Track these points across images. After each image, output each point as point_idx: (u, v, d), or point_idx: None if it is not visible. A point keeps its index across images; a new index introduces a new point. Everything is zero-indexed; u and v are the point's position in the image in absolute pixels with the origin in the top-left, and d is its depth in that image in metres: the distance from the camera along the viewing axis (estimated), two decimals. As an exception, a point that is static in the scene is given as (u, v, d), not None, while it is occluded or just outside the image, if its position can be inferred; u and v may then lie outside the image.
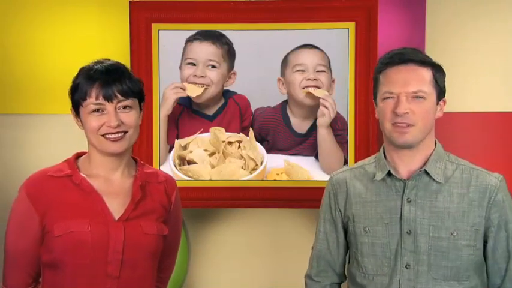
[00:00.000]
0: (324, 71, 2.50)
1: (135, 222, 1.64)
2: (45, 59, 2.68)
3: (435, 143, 1.70)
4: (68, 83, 1.67)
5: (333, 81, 2.51)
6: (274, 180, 2.54)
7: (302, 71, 2.50)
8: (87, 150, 1.70)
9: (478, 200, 1.64)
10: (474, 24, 2.63)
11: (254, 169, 2.53)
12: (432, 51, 2.51)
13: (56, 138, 2.63)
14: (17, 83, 2.69)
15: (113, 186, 1.66)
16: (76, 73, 1.66)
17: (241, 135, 2.55)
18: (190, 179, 2.52)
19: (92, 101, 1.59)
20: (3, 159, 2.71)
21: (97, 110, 1.60)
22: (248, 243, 2.78)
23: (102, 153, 1.64)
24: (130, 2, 2.50)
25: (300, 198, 2.52)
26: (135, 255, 1.63)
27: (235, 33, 2.51)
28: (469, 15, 2.63)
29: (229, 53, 2.53)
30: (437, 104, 1.67)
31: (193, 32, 2.52)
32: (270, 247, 2.78)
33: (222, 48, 2.52)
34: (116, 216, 1.63)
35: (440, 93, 1.67)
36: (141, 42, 2.50)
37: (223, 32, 2.51)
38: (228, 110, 2.55)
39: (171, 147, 2.55)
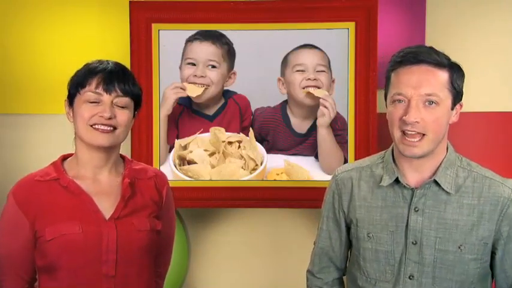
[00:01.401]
0: (324, 71, 2.50)
1: (127, 220, 1.63)
2: (45, 59, 2.68)
3: (447, 148, 1.62)
4: (68, 83, 1.67)
5: (333, 81, 2.50)
6: (274, 180, 2.54)
7: (302, 71, 2.50)
8: (73, 152, 1.68)
9: (489, 213, 1.57)
10: (474, 24, 2.63)
11: (254, 169, 2.53)
12: (432, 51, 2.51)
13: (56, 138, 2.62)
14: (17, 83, 2.69)
15: (101, 185, 1.65)
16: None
17: (241, 135, 2.55)
18: (190, 179, 2.52)
19: (91, 89, 1.59)
20: (3, 159, 2.71)
21: (93, 101, 1.60)
22: (248, 243, 2.78)
23: (89, 148, 1.63)
24: (130, 2, 2.50)
25: (300, 198, 2.51)
26: (130, 253, 1.62)
27: (235, 33, 2.51)
28: (469, 15, 2.63)
29: (229, 53, 2.52)
30: (453, 108, 1.57)
31: (193, 32, 2.51)
32: (270, 247, 2.78)
33: (222, 48, 2.52)
34: (107, 215, 1.62)
35: (457, 96, 1.55)
36: (141, 42, 2.50)
37: (223, 32, 2.51)
38: (228, 110, 2.55)
39: (171, 147, 2.55)
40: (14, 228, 1.62)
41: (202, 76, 2.52)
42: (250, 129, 2.54)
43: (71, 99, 1.64)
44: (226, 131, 2.54)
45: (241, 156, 2.53)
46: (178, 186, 2.49)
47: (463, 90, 1.58)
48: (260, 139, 2.55)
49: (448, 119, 1.56)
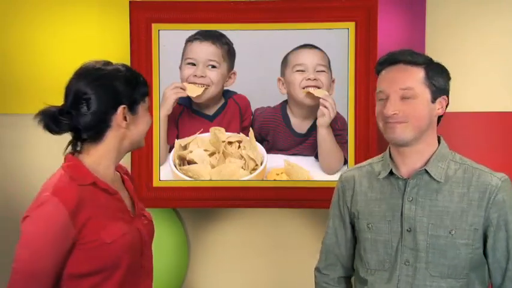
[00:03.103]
0: (324, 71, 2.50)
1: (142, 214, 1.70)
2: (45, 59, 2.68)
3: (439, 142, 1.71)
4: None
5: (333, 81, 2.50)
6: (274, 180, 2.54)
7: (302, 71, 2.50)
8: (70, 153, 1.65)
9: (478, 200, 1.65)
10: (474, 24, 2.63)
11: (254, 169, 2.53)
12: (432, 51, 2.52)
13: (55, 138, 2.61)
14: (17, 83, 2.69)
15: (116, 184, 1.68)
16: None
17: (241, 135, 2.55)
18: (190, 179, 2.52)
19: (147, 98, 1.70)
20: (3, 159, 2.71)
21: None
22: (248, 243, 2.78)
23: (127, 150, 1.68)
24: (130, 2, 2.50)
25: (300, 198, 2.52)
26: (150, 244, 1.71)
27: (235, 33, 2.51)
28: (469, 15, 2.63)
29: (229, 53, 2.52)
30: (434, 102, 1.66)
31: (193, 32, 2.52)
32: (270, 247, 2.78)
33: (222, 48, 2.52)
34: (132, 211, 1.67)
35: (436, 92, 1.66)
36: (141, 42, 2.50)
37: (223, 32, 2.51)
38: (228, 110, 2.55)
39: (171, 147, 2.55)
40: (58, 240, 1.49)
41: (202, 76, 2.52)
42: (250, 129, 2.54)
43: (134, 104, 1.63)
44: (226, 131, 2.54)
45: (241, 156, 2.53)
46: (178, 186, 2.49)
47: (449, 87, 1.70)
48: (260, 139, 2.55)
49: (429, 111, 1.66)
